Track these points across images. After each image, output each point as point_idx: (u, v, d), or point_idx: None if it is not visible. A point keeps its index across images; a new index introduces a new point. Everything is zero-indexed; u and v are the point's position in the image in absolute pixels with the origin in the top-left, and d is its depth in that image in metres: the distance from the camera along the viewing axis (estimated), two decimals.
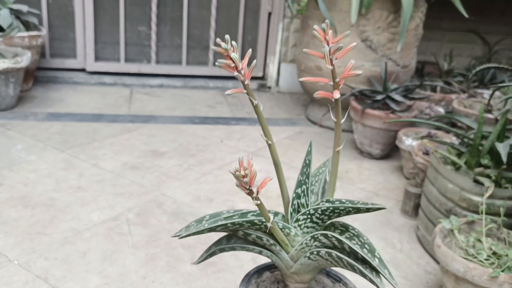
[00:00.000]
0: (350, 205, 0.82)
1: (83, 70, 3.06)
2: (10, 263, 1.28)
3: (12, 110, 2.42)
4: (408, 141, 1.99)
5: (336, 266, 0.88)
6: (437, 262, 1.44)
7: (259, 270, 1.03)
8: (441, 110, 2.34)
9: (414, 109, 2.22)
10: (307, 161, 0.96)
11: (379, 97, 2.18)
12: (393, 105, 2.14)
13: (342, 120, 0.88)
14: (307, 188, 0.94)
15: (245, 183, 0.77)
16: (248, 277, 1.00)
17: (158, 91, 3.04)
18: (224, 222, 0.87)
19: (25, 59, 2.35)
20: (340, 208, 0.84)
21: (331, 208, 0.85)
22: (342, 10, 2.30)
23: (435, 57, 2.93)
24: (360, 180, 2.03)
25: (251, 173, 0.78)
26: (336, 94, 0.81)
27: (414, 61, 2.57)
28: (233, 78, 3.23)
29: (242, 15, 3.18)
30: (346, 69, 0.81)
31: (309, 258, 0.87)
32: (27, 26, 2.66)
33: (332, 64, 0.79)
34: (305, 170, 0.95)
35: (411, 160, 1.92)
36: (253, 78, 3.34)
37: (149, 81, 3.12)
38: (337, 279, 1.03)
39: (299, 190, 0.93)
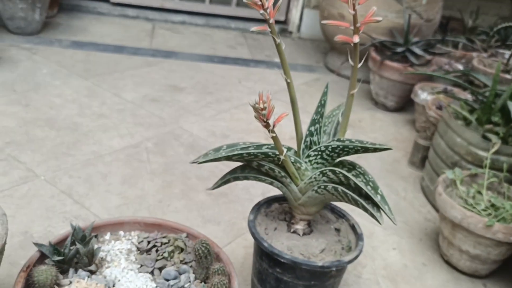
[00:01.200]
0: (359, 144, 0.88)
1: (107, 1, 3.06)
2: (37, 178, 1.38)
3: (37, 35, 2.46)
4: (423, 95, 2.01)
5: (340, 200, 0.95)
6: (438, 210, 1.51)
7: (269, 201, 1.11)
8: (460, 67, 2.34)
9: (433, 64, 2.22)
10: (323, 102, 1.01)
11: (399, 49, 2.18)
12: (412, 58, 2.15)
13: (359, 65, 0.92)
14: (320, 127, 0.99)
15: (263, 116, 0.82)
16: (258, 206, 1.08)
17: (180, 28, 3.05)
18: (240, 152, 0.93)
19: None
20: (349, 146, 0.90)
21: (340, 146, 0.91)
22: None
23: (460, 13, 2.88)
24: (372, 130, 2.08)
25: (269, 107, 0.83)
26: (356, 38, 0.84)
27: (439, 15, 2.54)
28: (254, 20, 3.22)
29: None
30: (367, 15, 0.84)
31: (316, 191, 0.94)
32: None
33: (354, 9, 0.82)
34: (319, 110, 1.01)
35: (424, 114, 1.96)
36: (275, 22, 3.32)
37: (172, 17, 3.12)
38: (341, 215, 1.11)
39: (312, 128, 0.99)
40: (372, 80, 2.28)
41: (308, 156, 0.95)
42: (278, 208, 1.10)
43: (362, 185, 0.88)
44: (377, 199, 0.87)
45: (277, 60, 2.77)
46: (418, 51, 2.16)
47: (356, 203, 0.90)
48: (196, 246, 0.91)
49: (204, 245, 0.91)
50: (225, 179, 1.03)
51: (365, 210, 0.88)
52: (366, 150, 0.88)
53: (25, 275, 0.83)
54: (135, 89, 2.07)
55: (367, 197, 0.89)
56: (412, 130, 2.13)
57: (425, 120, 1.92)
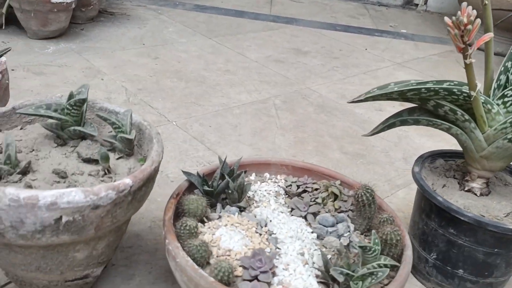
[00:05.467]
0: None
1: None
2: (169, 123, 1.34)
3: None
4: None
5: None
6: None
7: (433, 155, 0.96)
8: None
9: None
10: None
11: None
12: None
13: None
14: None
15: (467, 32, 0.67)
16: (422, 159, 0.93)
17: None
18: (416, 87, 0.79)
19: None
20: None
21: None
22: None
23: None
24: None
25: (475, 24, 0.68)
26: None
27: None
28: None
29: None
30: None
31: (509, 140, 0.77)
32: None
33: None
34: None
35: None
36: None
37: None
38: None
39: (509, 64, 0.82)
40: None
41: (503, 96, 0.78)
42: (443, 165, 0.94)
43: None
44: None
45: (404, 30, 2.56)
46: None
47: None
48: (358, 192, 0.79)
49: (369, 191, 0.79)
50: (388, 123, 0.89)
51: None
52: None
53: (175, 202, 0.76)
54: (258, 50, 1.99)
55: None
56: None
57: None
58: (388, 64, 2.03)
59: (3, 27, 1.64)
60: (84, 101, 0.67)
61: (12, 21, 1.74)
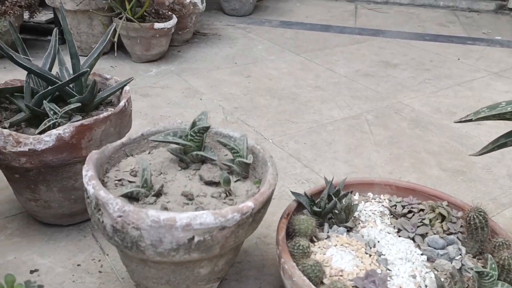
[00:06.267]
0: None
1: None
2: (266, 141, 1.39)
3: (249, 16, 2.58)
4: None
5: None
6: None
7: None
8: None
9: None
10: None
11: None
12: None
13: None
14: None
15: None
16: None
17: (383, 8, 2.91)
18: None
19: None
20: None
21: None
22: None
23: None
24: None
25: None
26: None
27: None
28: None
29: None
30: None
31: None
32: None
33: None
34: None
35: None
36: None
37: None
38: None
39: None
40: None
41: None
42: None
43: None
44: None
45: (498, 37, 2.44)
46: None
47: None
48: (470, 215, 0.78)
49: (482, 214, 0.77)
50: (499, 143, 0.87)
51: None
52: None
53: (286, 221, 0.80)
54: (346, 64, 2.00)
55: None
56: None
57: None
58: (483, 74, 1.96)
59: (115, 54, 1.80)
60: (207, 128, 0.74)
61: (118, 47, 1.90)
